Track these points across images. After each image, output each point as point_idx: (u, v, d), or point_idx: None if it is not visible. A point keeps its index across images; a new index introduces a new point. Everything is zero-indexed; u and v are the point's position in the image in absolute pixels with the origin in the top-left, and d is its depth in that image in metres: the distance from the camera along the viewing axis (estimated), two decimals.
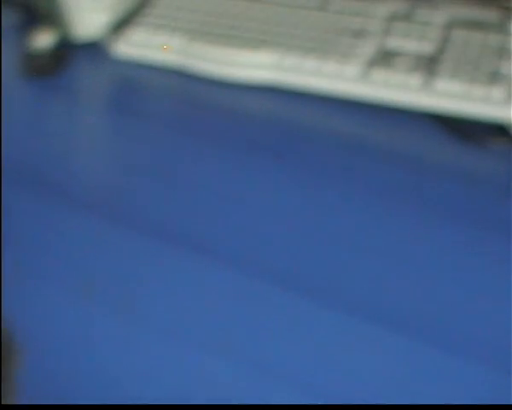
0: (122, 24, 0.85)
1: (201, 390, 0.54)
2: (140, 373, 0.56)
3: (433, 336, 0.55)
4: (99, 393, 0.55)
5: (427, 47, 0.73)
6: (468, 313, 0.56)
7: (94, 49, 0.85)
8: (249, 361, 0.55)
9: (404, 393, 0.52)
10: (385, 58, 0.74)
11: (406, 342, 0.55)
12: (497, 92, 0.68)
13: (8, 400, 0.43)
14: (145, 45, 0.83)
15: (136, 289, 0.61)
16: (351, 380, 0.53)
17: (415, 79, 0.71)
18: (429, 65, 0.72)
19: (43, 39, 0.82)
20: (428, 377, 0.53)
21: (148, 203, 0.68)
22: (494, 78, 0.69)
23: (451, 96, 0.69)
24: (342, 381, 0.53)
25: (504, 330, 0.55)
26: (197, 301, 0.60)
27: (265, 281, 0.60)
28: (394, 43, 0.75)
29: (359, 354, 0.55)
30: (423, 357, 0.54)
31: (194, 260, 0.63)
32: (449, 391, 0.52)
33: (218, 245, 0.64)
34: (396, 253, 0.61)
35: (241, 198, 0.68)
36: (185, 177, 0.70)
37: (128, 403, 0.54)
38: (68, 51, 0.84)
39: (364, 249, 0.62)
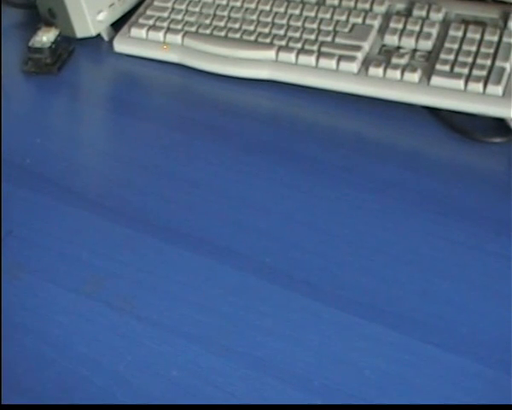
0: (122, 21, 0.86)
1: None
2: (140, 369, 0.56)
3: (432, 334, 0.55)
4: (99, 390, 0.55)
5: (425, 43, 0.73)
6: (468, 312, 0.56)
7: (94, 47, 0.86)
8: (247, 358, 0.56)
9: (404, 391, 0.52)
10: (383, 55, 0.74)
11: (405, 339, 0.55)
12: (495, 88, 0.68)
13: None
14: (145, 43, 0.83)
15: (137, 285, 0.62)
16: (349, 377, 0.54)
17: (413, 76, 0.71)
18: (427, 61, 0.72)
19: (45, 37, 0.82)
20: (428, 375, 0.53)
21: (148, 200, 0.69)
22: (492, 74, 0.69)
23: (450, 92, 0.69)
24: (340, 377, 0.54)
25: (504, 329, 0.55)
26: (198, 297, 0.60)
27: (266, 278, 0.61)
28: (392, 39, 0.75)
29: (358, 351, 0.55)
30: (423, 356, 0.54)
31: (194, 257, 0.63)
32: (448, 390, 0.52)
33: (219, 242, 0.64)
34: (394, 250, 0.61)
35: (240, 195, 0.68)
36: (184, 172, 0.71)
37: (129, 400, 0.54)
38: (69, 49, 0.85)
39: (362, 246, 0.62)
